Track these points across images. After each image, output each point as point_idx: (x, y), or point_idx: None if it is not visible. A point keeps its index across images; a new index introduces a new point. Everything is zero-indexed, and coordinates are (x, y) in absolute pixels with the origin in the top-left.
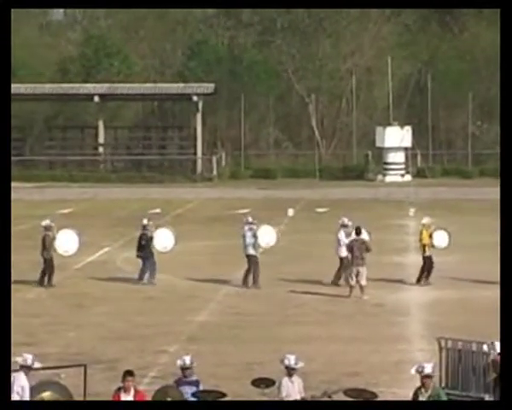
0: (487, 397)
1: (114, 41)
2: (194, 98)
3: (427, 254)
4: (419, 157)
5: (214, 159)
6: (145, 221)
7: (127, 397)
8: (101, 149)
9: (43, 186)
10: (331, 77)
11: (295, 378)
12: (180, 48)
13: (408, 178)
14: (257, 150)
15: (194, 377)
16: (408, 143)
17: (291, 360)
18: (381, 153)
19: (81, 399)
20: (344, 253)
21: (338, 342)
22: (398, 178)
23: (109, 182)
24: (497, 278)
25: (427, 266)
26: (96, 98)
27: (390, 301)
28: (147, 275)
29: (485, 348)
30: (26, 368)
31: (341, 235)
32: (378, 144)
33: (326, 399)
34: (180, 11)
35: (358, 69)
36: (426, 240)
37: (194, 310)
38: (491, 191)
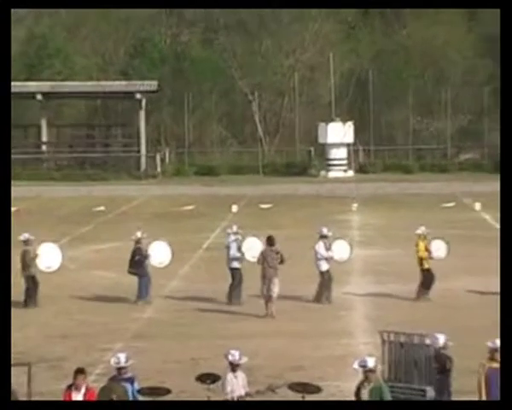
0: (429, 389)
1: (56, 41)
2: (138, 96)
3: (426, 266)
4: (361, 153)
5: (158, 156)
6: (138, 234)
7: (78, 395)
8: (44, 148)
9: None
10: (274, 73)
11: (239, 373)
12: (123, 46)
13: (350, 173)
14: (201, 148)
15: (128, 374)
16: (350, 138)
17: (235, 355)
18: (323, 149)
19: (25, 398)
20: (324, 267)
21: (282, 337)
22: (341, 174)
23: (53, 180)
24: (440, 271)
25: (428, 280)
26: (39, 96)
27: (334, 295)
28: (143, 294)
29: (427, 341)
30: None
31: (319, 247)
32: (321, 140)
33: (270, 393)
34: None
35: (301, 66)
36: (422, 252)
37: (139, 308)
38: (432, 186)
